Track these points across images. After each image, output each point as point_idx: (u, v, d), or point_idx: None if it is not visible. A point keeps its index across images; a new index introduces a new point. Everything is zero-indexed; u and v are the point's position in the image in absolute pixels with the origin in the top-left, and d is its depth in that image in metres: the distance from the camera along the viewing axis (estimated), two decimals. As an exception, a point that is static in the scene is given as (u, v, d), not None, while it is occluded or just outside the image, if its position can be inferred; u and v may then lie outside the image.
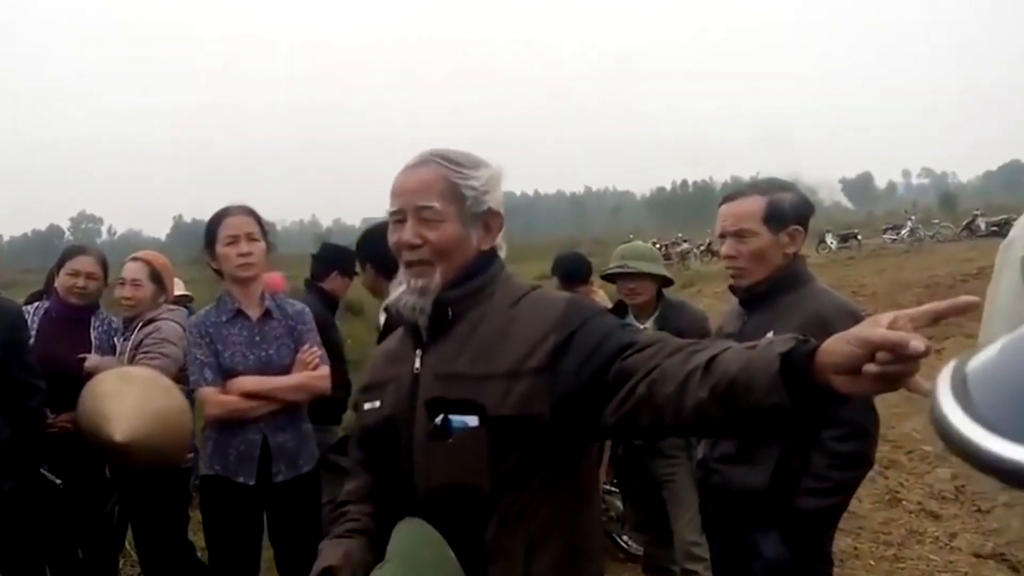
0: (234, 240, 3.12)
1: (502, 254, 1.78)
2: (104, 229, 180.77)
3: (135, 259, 3.96)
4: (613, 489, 4.54)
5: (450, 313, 1.70)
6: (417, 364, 1.71)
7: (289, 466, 3.18)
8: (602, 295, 4.84)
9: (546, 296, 1.70)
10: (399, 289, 1.74)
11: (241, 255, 3.12)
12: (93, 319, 3.85)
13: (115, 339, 3.87)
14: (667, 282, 3.89)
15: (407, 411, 1.68)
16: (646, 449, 3.70)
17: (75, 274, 3.76)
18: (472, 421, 1.58)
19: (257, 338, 3.18)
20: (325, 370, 3.28)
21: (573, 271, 4.49)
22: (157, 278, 3.87)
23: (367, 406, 1.80)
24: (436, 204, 1.66)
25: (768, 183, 2.64)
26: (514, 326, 1.63)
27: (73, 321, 3.79)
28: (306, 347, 3.25)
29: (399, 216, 1.71)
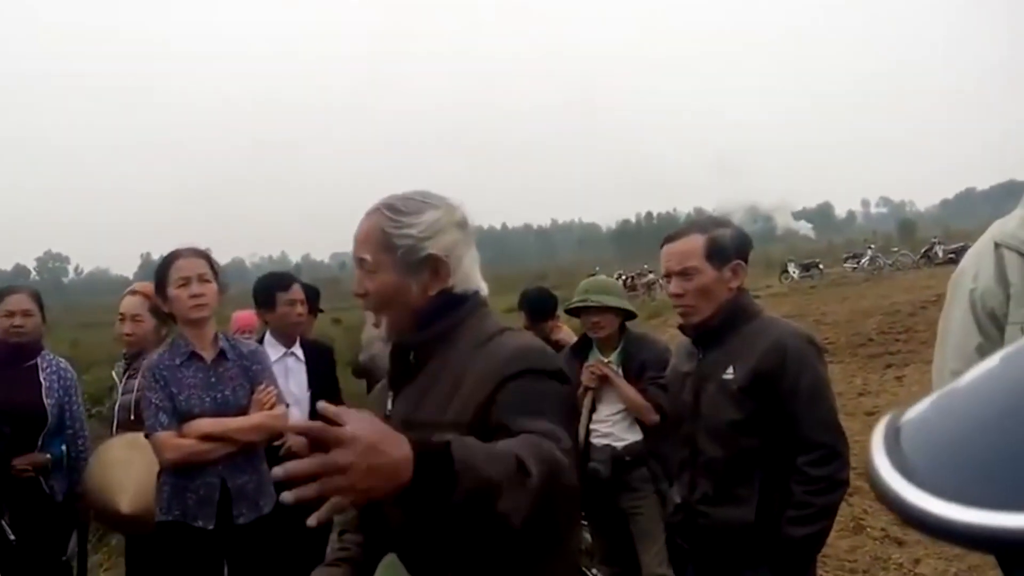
0: (185, 282, 3.09)
1: (484, 290, 1.78)
2: (71, 268, 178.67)
3: (133, 292, 3.90)
4: (582, 523, 4.53)
5: (412, 358, 1.73)
6: (389, 407, 1.75)
7: (250, 508, 3.12)
8: (567, 330, 4.85)
9: (499, 345, 1.66)
10: (372, 339, 1.77)
11: (193, 296, 3.09)
12: (40, 360, 3.79)
13: (65, 382, 3.81)
14: (630, 315, 3.91)
15: None
16: (613, 483, 3.70)
17: (10, 315, 3.70)
18: None
19: (212, 379, 3.14)
20: (282, 409, 3.26)
21: (539, 307, 4.51)
22: (158, 311, 3.75)
23: None
24: (368, 256, 1.71)
25: (707, 221, 2.71)
26: (467, 375, 1.62)
27: (18, 362, 3.73)
28: (262, 387, 3.22)
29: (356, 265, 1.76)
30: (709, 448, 2.60)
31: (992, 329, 1.79)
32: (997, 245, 1.82)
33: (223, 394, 3.14)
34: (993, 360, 0.43)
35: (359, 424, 1.18)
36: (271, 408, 3.20)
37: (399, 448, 1.18)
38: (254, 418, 3.16)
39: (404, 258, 1.69)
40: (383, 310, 1.73)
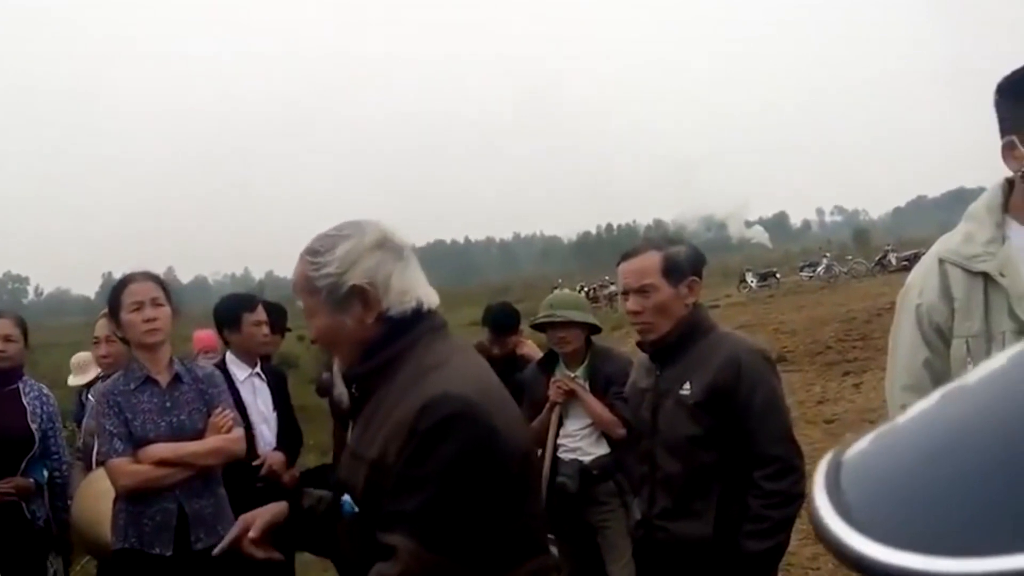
0: (139, 306, 3.05)
1: (429, 301, 1.74)
2: (31, 289, 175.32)
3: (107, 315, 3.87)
4: (549, 536, 4.54)
5: (354, 390, 1.76)
6: (349, 436, 1.83)
7: (208, 532, 3.06)
8: (531, 344, 4.86)
9: (425, 385, 1.63)
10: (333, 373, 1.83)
11: (147, 321, 3.05)
12: (21, 384, 3.75)
13: (48, 407, 3.77)
14: (595, 330, 3.94)
15: (337, 483, 1.78)
16: (580, 497, 3.72)
17: None
18: (355, 505, 1.66)
19: (168, 404, 3.10)
20: (239, 432, 3.23)
21: (502, 322, 4.52)
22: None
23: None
24: (301, 301, 1.76)
25: (662, 238, 2.77)
26: (395, 411, 1.63)
27: (1, 386, 3.68)
28: (219, 410, 3.18)
29: None
30: (667, 463, 2.62)
31: (938, 343, 1.84)
32: (941, 261, 1.87)
33: (179, 418, 3.10)
34: (932, 398, 0.42)
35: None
36: (228, 432, 3.17)
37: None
38: (210, 442, 3.12)
39: (329, 297, 1.69)
40: (330, 348, 1.77)
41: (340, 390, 1.80)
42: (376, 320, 1.69)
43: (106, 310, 3.69)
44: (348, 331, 1.70)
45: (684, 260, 2.63)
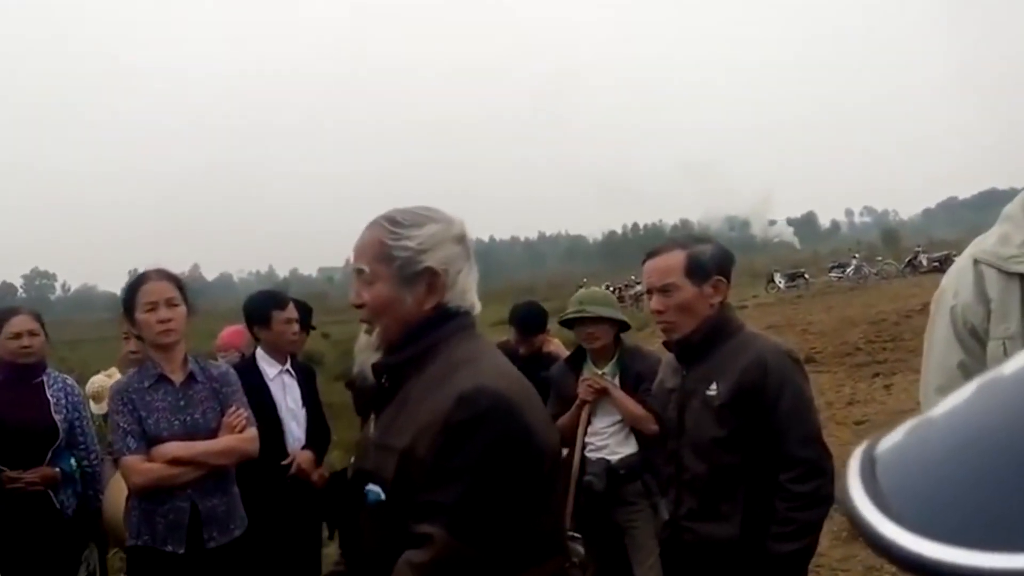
0: (153, 306, 3.04)
1: (474, 307, 1.79)
2: (58, 285, 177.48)
3: None
4: (576, 535, 4.53)
5: (384, 381, 1.76)
6: (372, 427, 1.80)
7: (221, 531, 3.08)
8: (557, 343, 4.85)
9: (458, 379, 1.65)
10: (363, 348, 1.80)
11: (161, 321, 3.05)
12: (45, 377, 3.79)
13: (73, 398, 3.82)
14: (624, 327, 3.94)
15: (356, 473, 1.77)
16: (608, 496, 3.71)
17: (17, 336, 3.67)
18: (382, 494, 1.65)
19: (182, 403, 3.10)
20: (252, 432, 3.22)
21: (529, 321, 4.51)
22: None
23: (352, 459, 1.91)
24: (366, 266, 1.73)
25: (687, 237, 2.74)
26: (424, 404, 1.64)
27: (24, 382, 3.71)
28: (232, 409, 3.18)
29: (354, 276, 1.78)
30: (693, 464, 2.61)
31: (974, 345, 1.81)
32: (976, 262, 1.84)
33: (192, 417, 3.10)
34: (969, 388, 0.41)
35: None
36: (241, 431, 3.17)
37: None
38: (223, 441, 3.12)
39: (401, 270, 1.70)
40: (377, 320, 1.74)
41: (367, 373, 1.79)
42: (432, 307, 1.73)
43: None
44: (404, 309, 1.72)
45: (709, 259, 2.60)
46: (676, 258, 2.60)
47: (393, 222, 1.74)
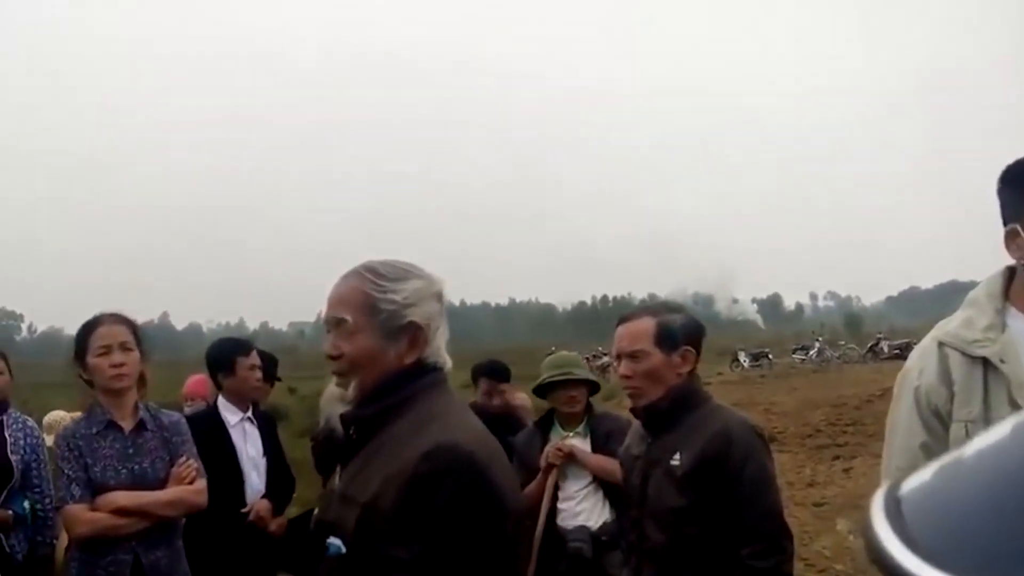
0: (106, 350, 2.96)
1: (446, 364, 1.78)
2: (24, 326, 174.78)
3: None
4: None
5: (351, 432, 1.71)
6: (337, 479, 1.75)
7: None
8: (523, 396, 4.85)
9: (427, 434, 1.63)
10: (331, 399, 1.77)
11: (114, 366, 2.96)
12: (5, 417, 3.68)
13: (32, 440, 3.71)
14: (595, 389, 3.91)
15: (318, 525, 1.72)
16: (594, 564, 3.61)
17: None
18: (343, 547, 1.59)
19: (130, 451, 2.99)
20: (201, 484, 3.10)
21: (500, 368, 4.61)
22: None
23: (315, 511, 1.87)
24: (349, 317, 1.68)
25: (660, 305, 2.76)
26: (394, 458, 1.61)
27: None
28: (182, 460, 3.07)
29: (327, 327, 1.74)
30: (654, 533, 2.57)
31: (937, 426, 1.82)
32: (941, 344, 1.86)
33: (140, 466, 2.99)
34: (1003, 429, 0.39)
35: None
36: (190, 482, 3.06)
37: None
38: (171, 492, 3.01)
39: (386, 323, 1.68)
40: (355, 372, 1.70)
41: (334, 419, 1.76)
42: (412, 362, 1.71)
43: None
44: (386, 362, 1.69)
45: (679, 329, 2.61)
46: (646, 325, 2.60)
47: (377, 274, 1.72)
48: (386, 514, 1.55)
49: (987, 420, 1.74)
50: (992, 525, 0.35)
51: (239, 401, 4.05)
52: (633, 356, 2.59)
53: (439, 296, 1.76)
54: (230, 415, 3.99)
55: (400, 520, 1.54)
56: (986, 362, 1.77)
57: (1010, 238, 1.78)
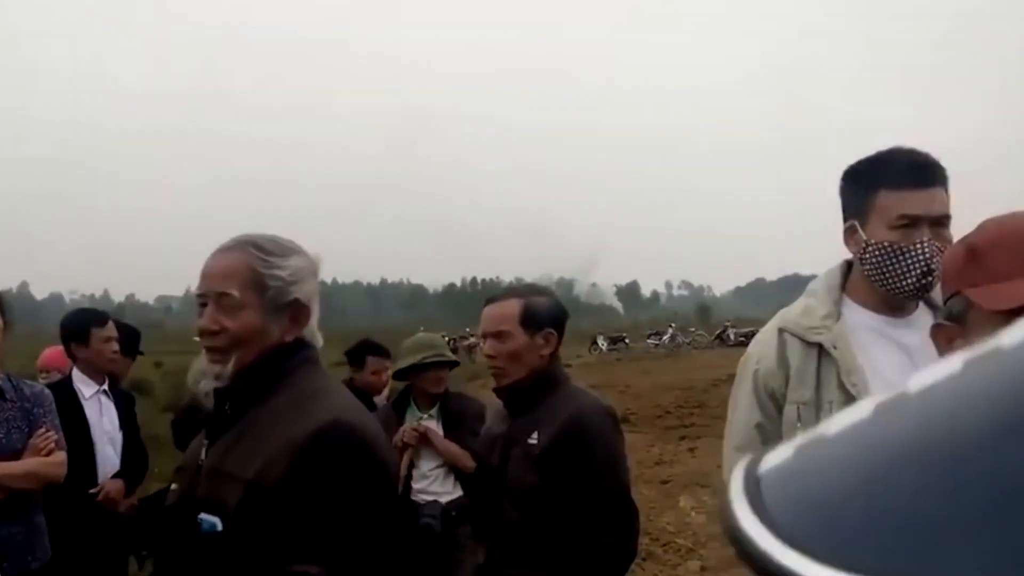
0: None
1: (318, 342, 1.72)
2: None
3: None
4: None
5: (227, 407, 1.62)
6: (203, 455, 1.65)
7: (16, 562, 2.77)
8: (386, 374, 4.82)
9: (313, 411, 1.57)
10: (200, 374, 1.67)
11: None
12: None
13: None
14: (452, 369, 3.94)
15: (186, 501, 1.60)
16: (445, 538, 3.63)
17: None
18: (219, 523, 1.51)
19: None
20: (60, 456, 2.94)
21: (384, 348, 4.54)
22: None
23: (172, 486, 1.73)
24: (235, 292, 1.60)
25: (527, 288, 2.76)
26: (276, 432, 1.53)
27: None
28: (41, 431, 2.90)
29: (202, 300, 1.63)
30: (510, 511, 2.58)
31: (771, 408, 1.88)
32: (781, 330, 1.93)
33: None
34: (864, 409, 0.38)
35: None
36: (48, 455, 2.89)
37: None
38: (26, 463, 2.84)
39: (272, 300, 1.62)
40: (235, 350, 1.61)
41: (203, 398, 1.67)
42: (292, 340, 1.66)
43: None
44: (267, 339, 1.63)
45: (544, 311, 2.62)
46: (512, 307, 2.60)
47: (262, 249, 1.64)
48: (273, 491, 1.48)
49: (818, 403, 1.81)
50: (853, 506, 0.34)
51: (94, 373, 3.85)
52: (498, 336, 2.58)
53: (316, 273, 1.72)
54: (85, 388, 3.79)
55: (292, 497, 1.47)
56: (821, 348, 1.84)
57: (849, 234, 1.85)
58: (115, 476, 3.80)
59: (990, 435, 0.32)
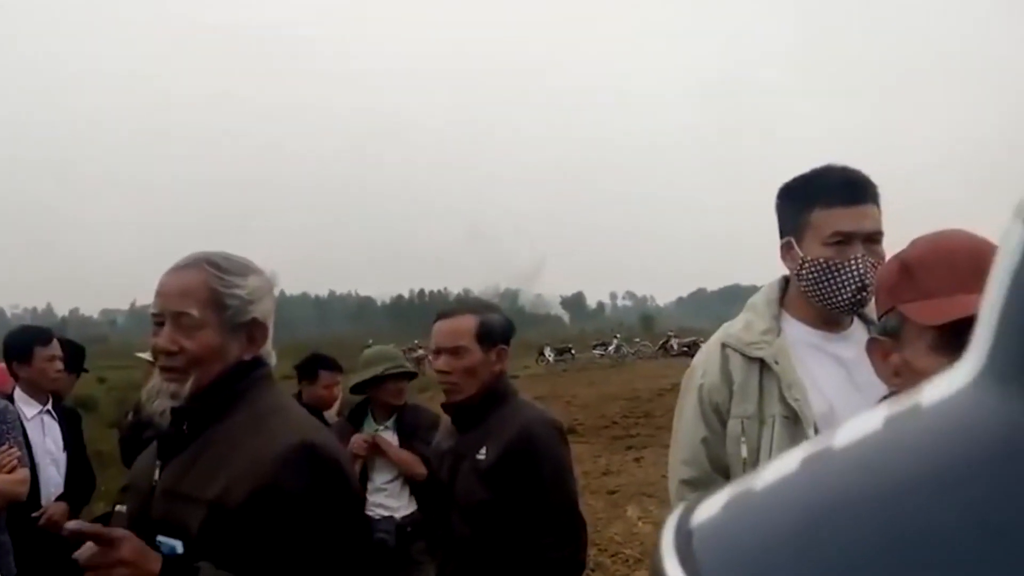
0: None
1: (273, 360, 1.69)
2: None
3: None
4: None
5: (185, 427, 1.58)
6: (156, 475, 1.60)
7: None
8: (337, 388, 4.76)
9: (276, 428, 1.54)
10: (155, 392, 1.63)
11: None
12: None
13: None
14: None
15: (140, 523, 1.54)
16: (398, 554, 3.59)
17: None
18: (179, 546, 1.47)
19: None
20: (23, 473, 2.87)
21: (336, 363, 4.50)
22: None
23: (118, 508, 1.70)
24: (194, 311, 1.56)
25: (477, 303, 2.77)
26: (238, 452, 1.50)
27: None
28: (4, 448, 2.83)
29: (159, 319, 1.58)
30: (460, 526, 2.57)
31: (716, 422, 1.90)
32: (724, 346, 1.95)
33: None
34: (791, 463, 0.38)
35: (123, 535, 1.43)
36: (11, 472, 2.82)
37: (152, 563, 1.41)
38: None
39: (231, 319, 1.59)
40: (193, 369, 1.57)
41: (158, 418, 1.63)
42: (246, 360, 1.63)
43: None
44: (226, 358, 1.59)
45: (497, 327, 2.62)
46: (468, 322, 2.59)
47: (218, 268, 1.60)
48: (237, 513, 1.44)
49: (760, 417, 1.83)
50: (781, 559, 0.33)
51: (37, 393, 3.73)
52: (454, 352, 2.56)
53: (271, 292, 1.70)
54: (27, 408, 3.66)
55: (259, 519, 1.44)
56: (762, 363, 1.86)
57: (785, 250, 1.88)
58: (59, 498, 3.69)
59: (917, 489, 0.33)
